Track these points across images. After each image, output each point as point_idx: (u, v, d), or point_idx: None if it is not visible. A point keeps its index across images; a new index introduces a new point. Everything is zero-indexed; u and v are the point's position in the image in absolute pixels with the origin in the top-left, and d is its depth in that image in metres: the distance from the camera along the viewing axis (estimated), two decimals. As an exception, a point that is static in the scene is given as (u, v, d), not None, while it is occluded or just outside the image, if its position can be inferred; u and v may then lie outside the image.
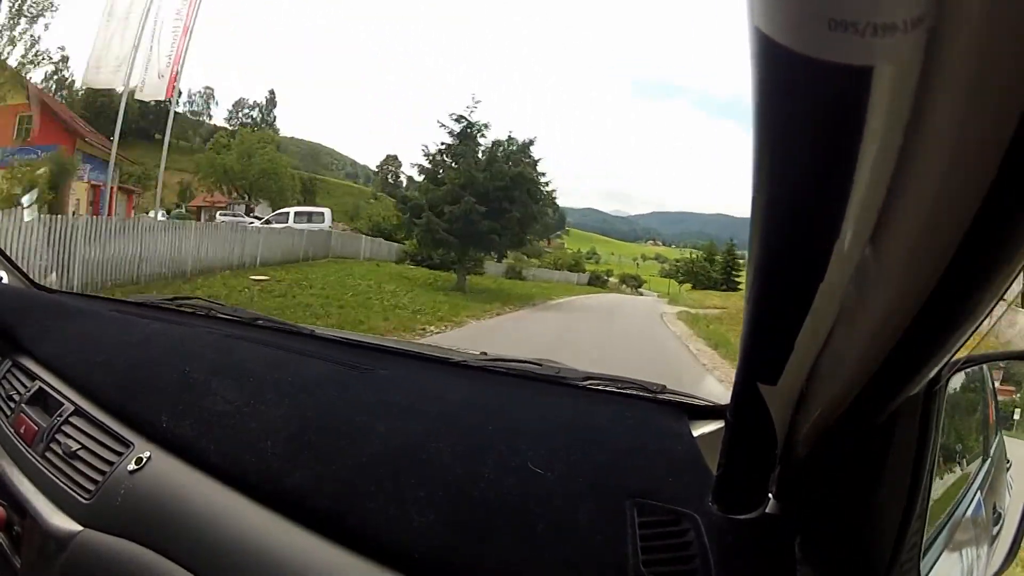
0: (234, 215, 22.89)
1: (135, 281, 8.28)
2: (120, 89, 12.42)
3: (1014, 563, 0.70)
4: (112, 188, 15.86)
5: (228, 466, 0.72)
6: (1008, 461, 0.79)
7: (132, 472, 0.77)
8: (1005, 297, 0.30)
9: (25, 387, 1.04)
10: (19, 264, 1.44)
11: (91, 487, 0.80)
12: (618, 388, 0.82)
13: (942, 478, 0.55)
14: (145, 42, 12.24)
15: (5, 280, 1.37)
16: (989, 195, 0.23)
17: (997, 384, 0.78)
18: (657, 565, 0.51)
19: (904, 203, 0.25)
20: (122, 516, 0.74)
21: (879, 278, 0.29)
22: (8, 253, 1.43)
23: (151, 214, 13.98)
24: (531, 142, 16.40)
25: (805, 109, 0.23)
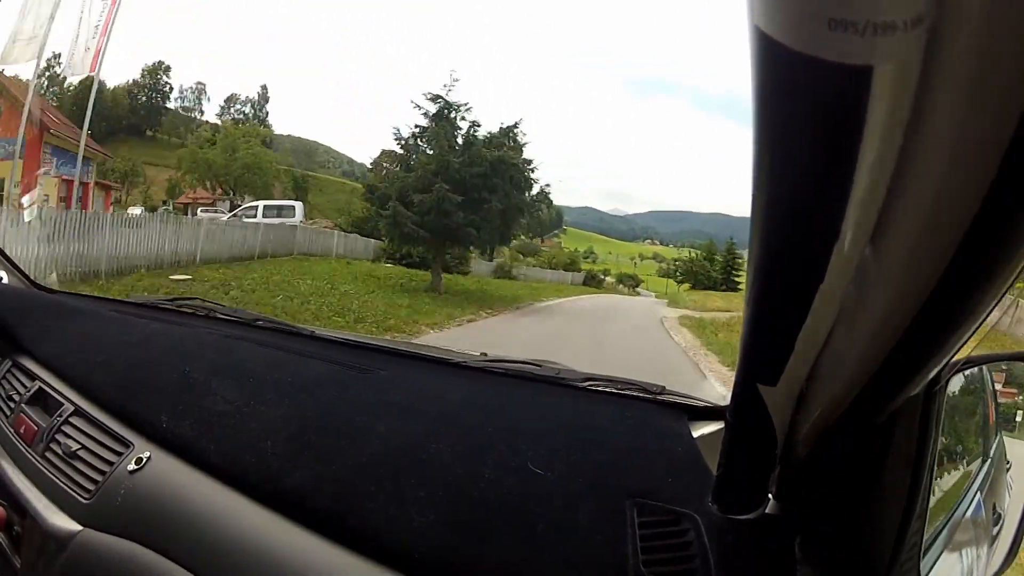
0: (216, 211, 22.08)
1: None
2: (30, 63, 10.81)
3: (1014, 563, 0.70)
4: (88, 184, 15.24)
5: (228, 466, 0.72)
6: (1008, 462, 0.79)
7: (132, 472, 0.77)
8: (1009, 295, 0.30)
9: (25, 387, 1.04)
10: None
11: (91, 487, 0.80)
12: (618, 389, 0.82)
13: (942, 478, 0.55)
14: (74, 12, 10.67)
15: (5, 280, 1.37)
16: (989, 195, 0.23)
17: (1000, 387, 0.78)
18: (657, 565, 0.51)
19: (904, 203, 0.25)
20: (122, 516, 0.74)
21: (879, 278, 0.29)
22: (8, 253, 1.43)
23: (130, 211, 13.29)
24: (516, 125, 14.04)
25: (805, 109, 0.23)
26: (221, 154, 29.92)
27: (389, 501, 0.60)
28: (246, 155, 29.89)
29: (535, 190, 14.63)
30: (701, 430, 0.69)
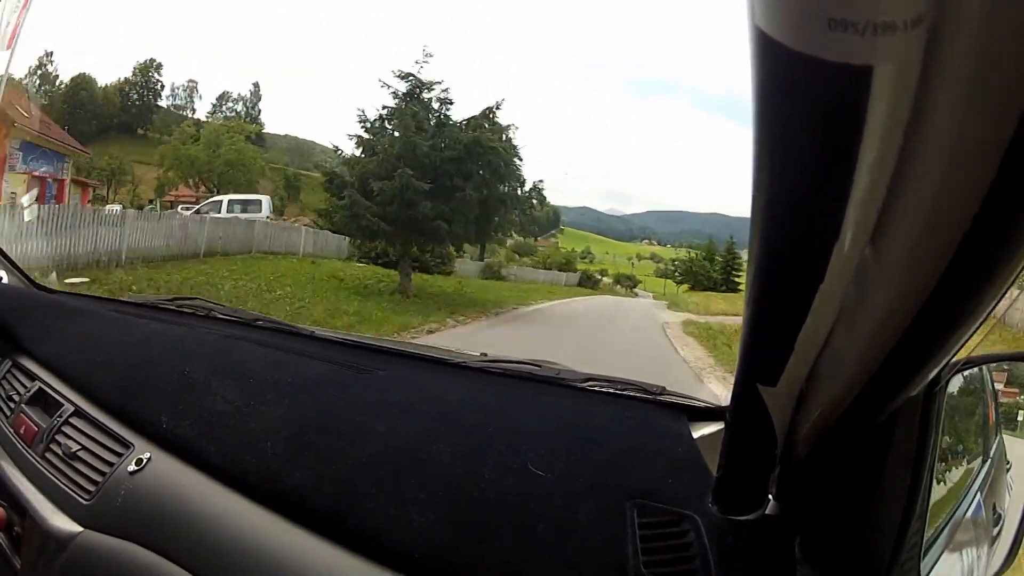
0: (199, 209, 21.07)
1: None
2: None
3: (1014, 563, 0.70)
4: (64, 180, 14.65)
5: (228, 466, 0.72)
6: (1008, 462, 0.79)
7: (132, 473, 0.77)
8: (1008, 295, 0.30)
9: (25, 387, 1.04)
10: None
11: (91, 488, 0.80)
12: (618, 389, 0.82)
13: (942, 478, 0.55)
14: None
15: (5, 280, 1.37)
16: (989, 195, 0.23)
17: (1001, 387, 0.78)
18: (657, 566, 0.51)
19: (904, 203, 0.25)
20: (122, 517, 0.74)
21: (879, 278, 0.29)
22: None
23: (108, 208, 12.07)
24: (498, 106, 12.02)
25: (805, 109, 0.23)
26: (204, 150, 28.92)
27: (389, 501, 0.60)
28: (229, 151, 28.73)
29: (528, 185, 13.11)
30: (701, 430, 0.69)
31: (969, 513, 0.68)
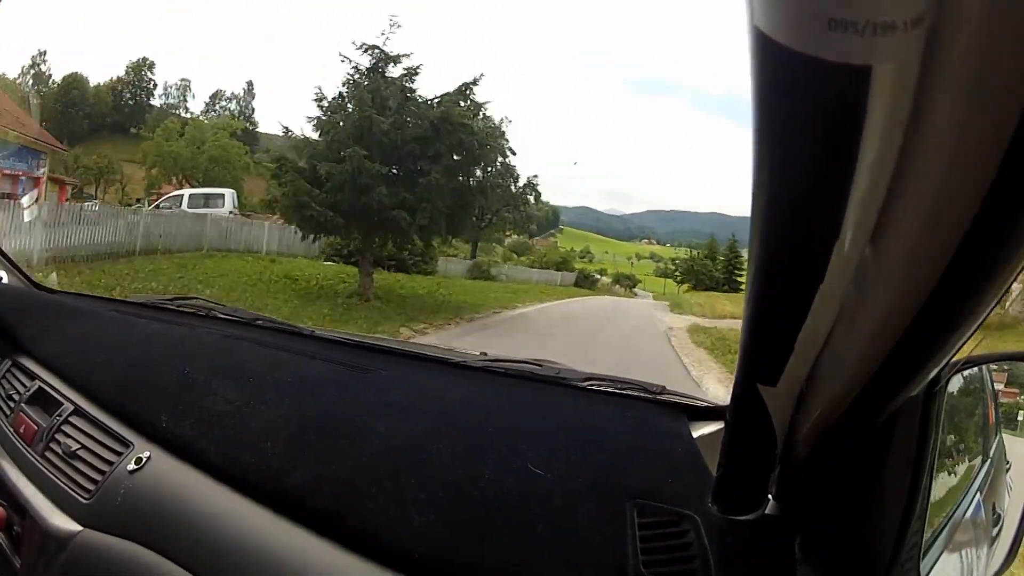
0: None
1: None
2: None
3: (1014, 563, 0.70)
4: (39, 178, 14.12)
5: (228, 466, 0.72)
6: (1008, 462, 0.79)
7: (132, 472, 0.77)
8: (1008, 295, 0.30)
9: (25, 387, 1.04)
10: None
11: (91, 487, 0.80)
12: (618, 389, 0.82)
13: (942, 478, 0.55)
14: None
15: (5, 280, 1.37)
16: (989, 195, 0.23)
17: (1002, 387, 0.78)
18: (657, 566, 0.51)
19: (904, 203, 0.25)
20: (122, 516, 0.74)
21: (879, 278, 0.29)
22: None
23: (87, 206, 11.41)
24: (475, 81, 10.07)
25: (805, 108, 0.23)
26: (188, 147, 28.34)
27: (389, 501, 0.60)
28: (213, 147, 28.07)
29: (522, 181, 12.00)
30: (701, 430, 0.69)
31: (969, 513, 0.68)
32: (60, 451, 0.87)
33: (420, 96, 9.94)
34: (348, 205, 8.95)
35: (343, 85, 9.96)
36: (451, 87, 10.01)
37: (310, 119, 9.94)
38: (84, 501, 0.79)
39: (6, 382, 1.08)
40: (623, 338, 9.83)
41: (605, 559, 0.51)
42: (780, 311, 0.34)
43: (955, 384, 0.57)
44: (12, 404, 1.03)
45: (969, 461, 0.71)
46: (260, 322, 1.22)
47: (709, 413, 0.73)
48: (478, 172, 10.59)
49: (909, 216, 0.26)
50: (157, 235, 10.46)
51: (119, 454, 0.81)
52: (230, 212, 14.67)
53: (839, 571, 0.49)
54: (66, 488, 0.82)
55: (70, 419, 0.91)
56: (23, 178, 13.84)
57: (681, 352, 8.04)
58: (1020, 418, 0.85)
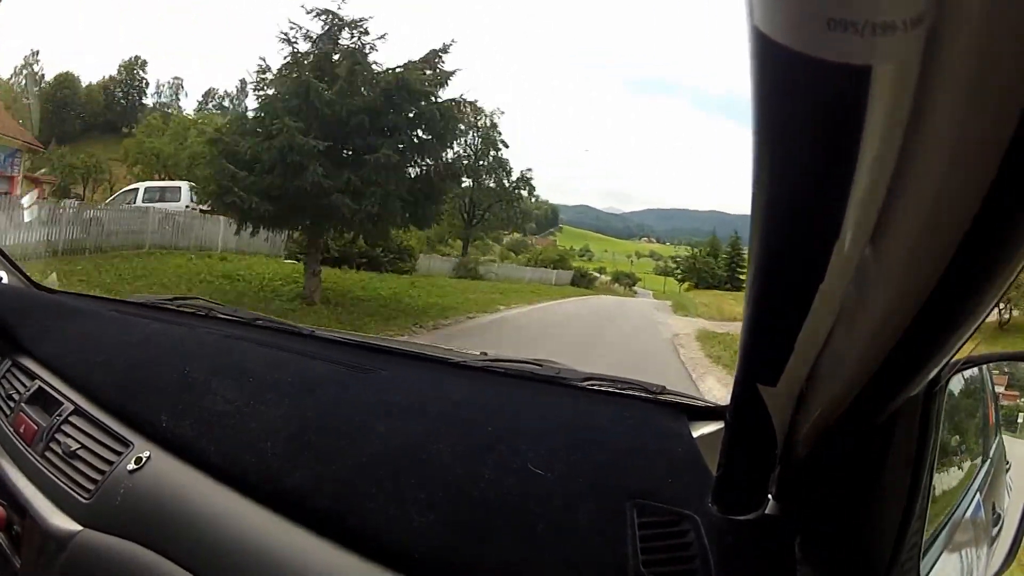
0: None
1: None
2: None
3: (1014, 563, 0.70)
4: (14, 177, 13.36)
5: (228, 466, 0.72)
6: (1008, 462, 0.79)
7: (132, 472, 0.77)
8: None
9: (25, 387, 1.04)
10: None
11: (91, 487, 0.80)
12: (618, 388, 0.82)
13: (942, 478, 0.55)
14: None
15: (5, 280, 1.37)
16: (989, 195, 0.23)
17: (1002, 389, 0.78)
18: (657, 566, 0.51)
19: (904, 203, 0.25)
20: (122, 516, 0.74)
21: (879, 278, 0.29)
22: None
23: (63, 203, 10.54)
24: (445, 48, 8.38)
25: (804, 109, 0.23)
26: (169, 143, 27.28)
27: (389, 501, 0.60)
28: (196, 143, 27.73)
29: (515, 175, 10.43)
30: (701, 430, 0.69)
31: (969, 513, 0.68)
32: (60, 451, 0.87)
33: (377, 64, 8.21)
34: (280, 190, 7.32)
35: (287, 56, 8.23)
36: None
37: (256, 89, 8.33)
38: (84, 501, 0.79)
39: (6, 382, 1.08)
40: (620, 351, 8.17)
41: (605, 559, 0.51)
42: (780, 311, 0.34)
43: (955, 384, 0.57)
44: (12, 404, 1.03)
45: (969, 461, 0.71)
46: (260, 322, 1.22)
47: (709, 413, 0.73)
48: (450, 154, 8.86)
49: (909, 216, 0.26)
50: (111, 232, 9.53)
51: (119, 454, 0.81)
52: (187, 206, 12.79)
53: (839, 571, 0.49)
54: (66, 488, 0.82)
55: (70, 419, 0.91)
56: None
57: (694, 371, 6.26)
58: (1020, 420, 0.85)
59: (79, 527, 0.76)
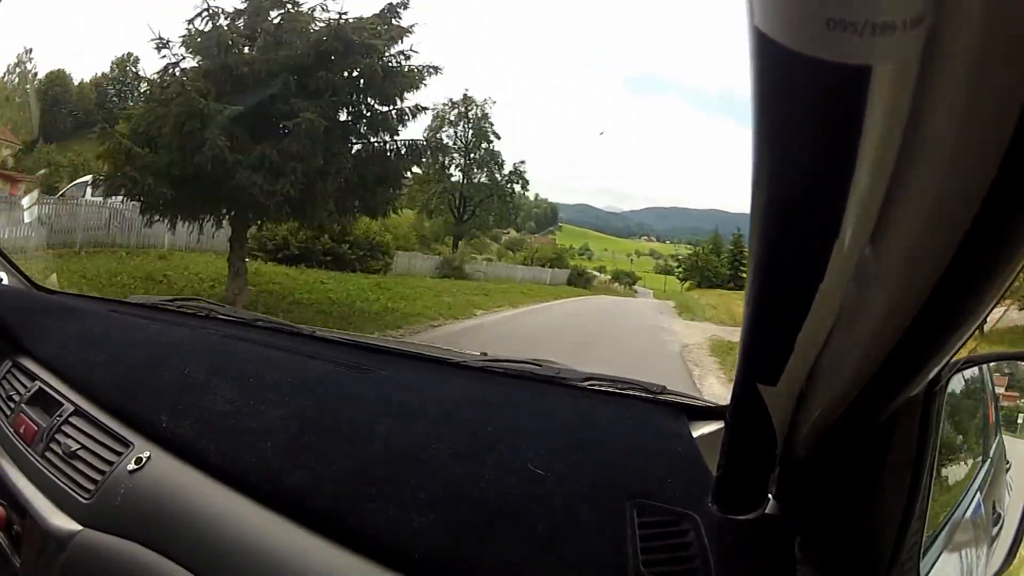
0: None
1: None
2: None
3: (1013, 563, 0.70)
4: None
5: (228, 466, 0.72)
6: (1008, 462, 0.79)
7: (132, 472, 0.77)
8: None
9: (25, 387, 1.04)
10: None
11: (91, 487, 0.80)
12: (618, 388, 0.82)
13: (942, 478, 0.55)
14: None
15: (5, 280, 1.37)
16: (989, 195, 0.23)
17: (1002, 390, 0.78)
18: (657, 565, 0.51)
19: (904, 203, 0.25)
20: (122, 516, 0.74)
21: (879, 278, 0.29)
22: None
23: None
24: (403, 4, 6.74)
25: (804, 108, 0.23)
26: None
27: (389, 501, 0.60)
28: None
29: (507, 168, 8.88)
30: (701, 430, 0.69)
31: (969, 513, 0.68)
32: (60, 451, 0.87)
33: (320, 14, 6.51)
34: (180, 168, 5.80)
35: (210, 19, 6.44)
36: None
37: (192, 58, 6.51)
38: (84, 501, 0.79)
39: (6, 383, 1.08)
40: (618, 368, 4.75)
41: (605, 559, 0.51)
42: (780, 311, 0.34)
43: (955, 384, 0.57)
44: (12, 404, 1.03)
45: (969, 461, 0.71)
46: (260, 322, 1.22)
47: (709, 413, 0.73)
48: (419, 133, 7.27)
49: (909, 216, 0.26)
50: (57, 230, 8.10)
51: (119, 454, 0.81)
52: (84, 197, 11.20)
53: (839, 571, 0.48)
54: (66, 488, 0.82)
55: (70, 419, 0.91)
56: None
57: (706, 390, 5.10)
58: (1020, 420, 0.85)
59: (79, 527, 0.77)
